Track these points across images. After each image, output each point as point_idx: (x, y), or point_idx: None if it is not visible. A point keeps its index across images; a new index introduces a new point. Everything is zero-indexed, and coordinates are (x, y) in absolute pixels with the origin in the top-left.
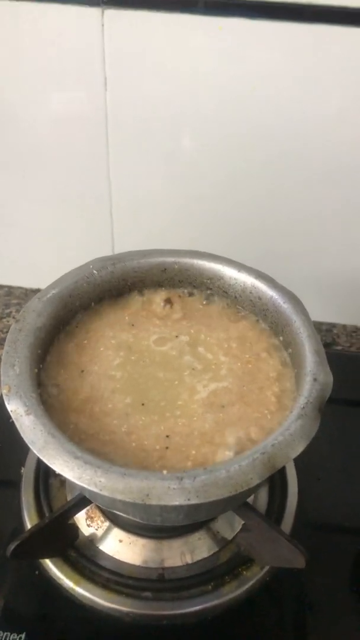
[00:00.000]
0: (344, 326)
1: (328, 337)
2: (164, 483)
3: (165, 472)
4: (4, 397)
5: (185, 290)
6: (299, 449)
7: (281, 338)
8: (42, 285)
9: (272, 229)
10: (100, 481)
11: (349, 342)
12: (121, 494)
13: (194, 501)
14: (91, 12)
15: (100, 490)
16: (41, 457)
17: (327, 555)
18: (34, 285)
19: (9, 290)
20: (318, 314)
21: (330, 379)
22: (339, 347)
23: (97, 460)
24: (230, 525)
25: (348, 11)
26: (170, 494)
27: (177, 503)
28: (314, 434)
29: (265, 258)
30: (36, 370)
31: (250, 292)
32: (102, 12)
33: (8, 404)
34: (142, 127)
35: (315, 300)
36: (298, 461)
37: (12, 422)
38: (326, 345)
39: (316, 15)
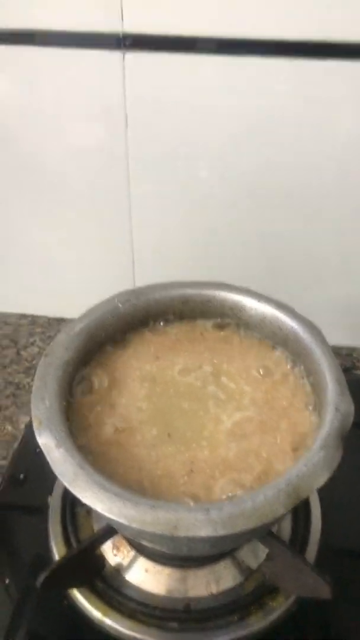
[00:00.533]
0: None
1: (348, 361)
2: (191, 515)
3: (192, 504)
4: (35, 431)
5: (209, 322)
6: (322, 479)
7: (302, 367)
8: (65, 314)
9: (290, 256)
10: (129, 513)
11: None
12: (150, 526)
13: (221, 532)
14: (113, 56)
15: (130, 522)
16: (72, 490)
17: (353, 584)
18: (57, 314)
19: (33, 320)
20: (337, 338)
21: (351, 408)
22: (359, 372)
23: (126, 493)
24: (254, 554)
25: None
26: (198, 525)
27: (204, 535)
28: (337, 463)
29: (284, 284)
30: (65, 403)
31: (271, 322)
32: (123, 56)
33: (39, 437)
34: (161, 161)
35: (335, 324)
36: (321, 488)
37: (39, 452)
38: (346, 370)
39: (325, 51)
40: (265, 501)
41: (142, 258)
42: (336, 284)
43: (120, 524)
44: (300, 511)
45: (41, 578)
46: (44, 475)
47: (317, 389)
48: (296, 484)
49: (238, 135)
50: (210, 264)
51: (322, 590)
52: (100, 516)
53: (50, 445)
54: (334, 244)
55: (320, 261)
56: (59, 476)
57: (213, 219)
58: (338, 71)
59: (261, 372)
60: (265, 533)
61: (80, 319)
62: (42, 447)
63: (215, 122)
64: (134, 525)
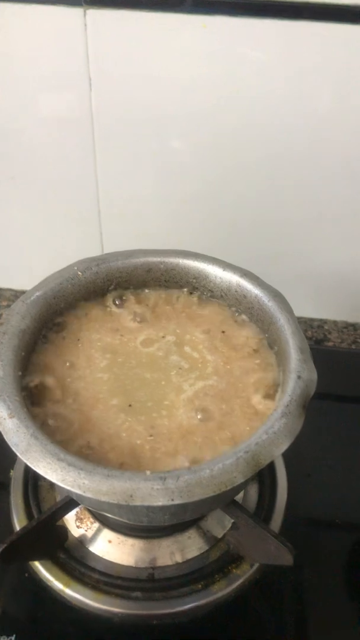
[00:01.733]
0: (335, 322)
1: (319, 333)
2: (148, 484)
3: (148, 472)
4: None
5: (172, 290)
6: (283, 446)
7: (267, 335)
8: (31, 286)
9: (262, 228)
10: (83, 483)
11: (340, 338)
12: (105, 495)
13: (177, 501)
14: (73, 12)
15: (84, 492)
16: (24, 460)
17: (316, 552)
18: (25, 287)
19: None
20: (309, 311)
21: (314, 376)
22: (331, 344)
23: (80, 462)
24: (220, 524)
25: (334, 7)
26: (154, 494)
27: (160, 503)
28: (298, 431)
29: (256, 258)
30: (20, 373)
31: (236, 291)
32: (84, 12)
33: None
34: (129, 128)
35: (307, 297)
36: (287, 458)
37: None
38: (317, 342)
39: (301, 12)
40: (224, 469)
41: (110, 228)
42: (308, 257)
43: (77, 494)
44: (266, 481)
45: (0, 550)
46: (5, 449)
47: (280, 357)
48: (255, 452)
49: (209, 102)
50: (180, 235)
51: (285, 557)
52: (61, 488)
53: (3, 415)
54: (306, 216)
55: (292, 234)
56: (12, 446)
57: (183, 189)
58: (312, 34)
59: (224, 341)
60: (228, 502)
61: (37, 287)
62: None
63: (186, 88)
64: (88, 494)
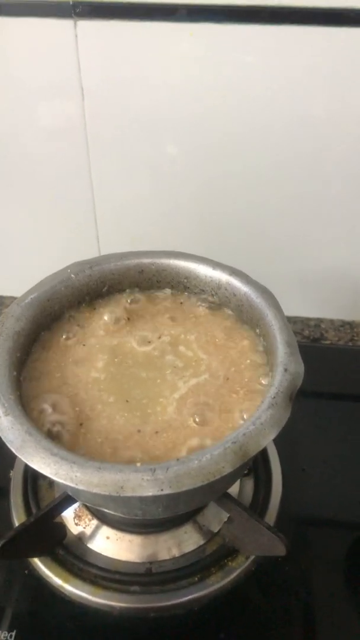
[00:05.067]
0: (332, 321)
1: (316, 332)
2: (138, 475)
3: (139, 464)
4: None
5: (164, 291)
6: (269, 437)
7: (257, 331)
8: None
9: (255, 230)
10: (76, 476)
11: (337, 336)
12: (96, 487)
13: (167, 491)
14: (64, 24)
15: (77, 484)
16: (19, 456)
17: (311, 544)
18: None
19: (0, 300)
20: (306, 310)
21: (301, 368)
22: (327, 342)
23: (72, 456)
24: (216, 518)
25: (319, 11)
26: (144, 485)
27: (150, 494)
28: (285, 422)
29: (251, 259)
30: (15, 373)
31: (225, 289)
32: (75, 24)
33: None
34: (122, 134)
35: (303, 296)
36: (283, 454)
37: None
38: (314, 340)
39: (285, 17)
40: (212, 459)
41: (107, 233)
42: (303, 257)
43: (72, 488)
44: (261, 475)
45: None
46: (5, 450)
47: (269, 351)
48: (243, 442)
49: (201, 108)
50: (175, 238)
51: (278, 548)
52: (59, 486)
53: None
54: (299, 216)
55: (285, 235)
56: (7, 443)
57: (177, 192)
58: (302, 38)
59: (217, 339)
60: (220, 494)
61: (32, 290)
62: None
63: (177, 94)
64: (81, 487)
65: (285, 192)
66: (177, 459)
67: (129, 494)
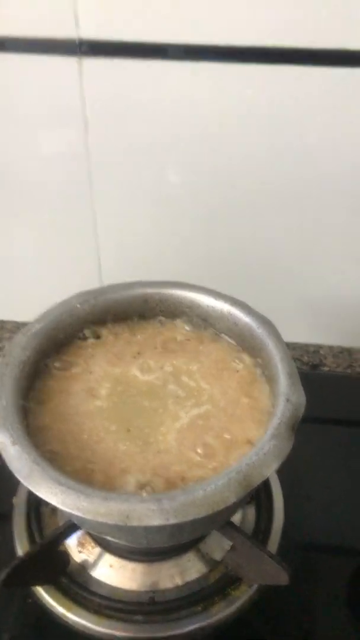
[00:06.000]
0: (330, 347)
1: (315, 358)
2: (144, 505)
3: (144, 494)
4: None
5: (169, 320)
6: (273, 467)
7: (259, 360)
8: (33, 319)
9: (256, 258)
10: (82, 505)
11: (336, 362)
12: (103, 516)
13: (172, 521)
14: (69, 62)
15: (83, 514)
16: (27, 485)
17: (315, 573)
18: (25, 319)
19: (1, 325)
20: (305, 336)
21: (302, 399)
22: (326, 368)
23: (79, 486)
24: (219, 547)
25: (314, 52)
26: (150, 515)
27: (156, 524)
28: (288, 452)
29: (252, 286)
30: (22, 401)
31: (227, 319)
32: (80, 61)
33: None
34: (125, 163)
35: (303, 323)
36: (284, 481)
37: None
38: (313, 367)
39: (284, 57)
40: (216, 490)
41: (109, 260)
42: (302, 284)
43: (78, 517)
44: (263, 503)
45: (2, 575)
46: (8, 477)
47: (271, 382)
48: (247, 473)
49: (202, 138)
50: (178, 266)
51: (281, 577)
52: (63, 514)
53: (7, 443)
54: (299, 244)
55: (286, 263)
56: (14, 473)
57: (178, 221)
58: (305, 77)
59: (219, 369)
60: (223, 523)
61: (38, 320)
62: None
63: (179, 126)
64: (88, 516)
65: (286, 219)
66: (182, 489)
67: (135, 523)
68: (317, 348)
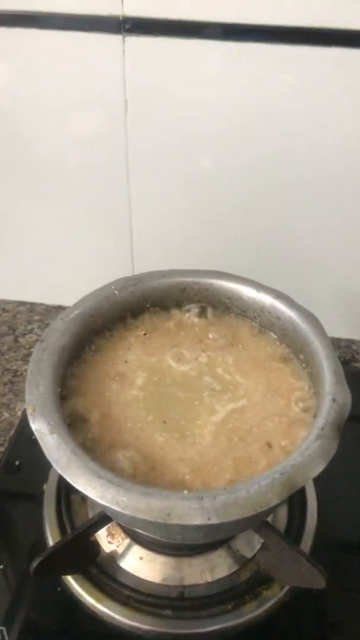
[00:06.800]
0: None
1: (347, 353)
2: (185, 503)
3: (186, 492)
4: (29, 417)
5: (207, 310)
6: (318, 469)
7: (301, 357)
8: (64, 302)
9: (290, 248)
10: (122, 500)
11: None
12: (143, 513)
13: (214, 521)
14: (113, 39)
15: (123, 509)
16: (65, 476)
17: (348, 574)
18: (56, 302)
19: (31, 307)
20: (337, 330)
21: (349, 399)
22: (358, 364)
23: (119, 480)
24: (249, 544)
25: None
26: (191, 513)
27: (197, 523)
28: (333, 453)
29: (284, 276)
30: (59, 389)
31: (269, 312)
32: (123, 40)
33: (32, 423)
34: (161, 149)
35: (335, 317)
36: (317, 479)
37: (35, 439)
38: (345, 362)
39: (334, 39)
40: (260, 490)
41: (141, 246)
42: (336, 277)
43: (114, 511)
44: (296, 502)
45: (34, 564)
46: (39, 462)
47: (315, 379)
48: (291, 474)
49: (241, 125)
50: (211, 254)
51: (317, 580)
52: (94, 503)
53: (44, 431)
54: (335, 236)
55: (320, 254)
56: (52, 462)
57: (214, 209)
58: (343, 60)
59: (258, 363)
60: (260, 523)
61: (76, 305)
62: (35, 433)
63: (218, 111)
64: (127, 512)
65: (323, 208)
66: (225, 488)
67: (175, 521)
68: (350, 343)
